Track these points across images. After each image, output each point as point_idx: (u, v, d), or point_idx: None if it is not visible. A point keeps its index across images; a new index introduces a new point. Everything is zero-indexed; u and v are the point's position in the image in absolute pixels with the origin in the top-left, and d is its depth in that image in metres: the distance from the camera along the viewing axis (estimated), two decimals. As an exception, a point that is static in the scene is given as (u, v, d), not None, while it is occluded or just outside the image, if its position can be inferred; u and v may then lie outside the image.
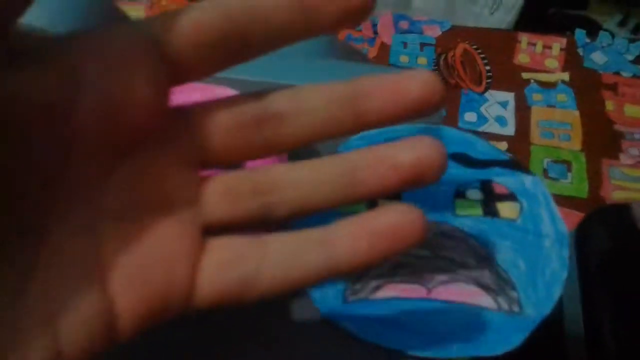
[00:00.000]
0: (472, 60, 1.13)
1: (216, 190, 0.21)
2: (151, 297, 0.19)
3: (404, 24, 1.14)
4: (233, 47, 0.20)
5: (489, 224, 0.37)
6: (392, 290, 0.35)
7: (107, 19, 0.47)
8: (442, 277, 0.35)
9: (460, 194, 0.38)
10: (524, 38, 1.16)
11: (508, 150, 1.04)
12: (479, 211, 0.38)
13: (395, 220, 0.21)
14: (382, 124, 0.22)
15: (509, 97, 1.10)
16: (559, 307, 0.64)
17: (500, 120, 1.08)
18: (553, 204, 0.38)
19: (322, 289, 0.34)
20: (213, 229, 0.21)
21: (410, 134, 0.41)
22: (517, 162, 0.41)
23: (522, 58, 1.15)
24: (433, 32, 1.14)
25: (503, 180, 0.38)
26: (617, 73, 1.12)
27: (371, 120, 0.22)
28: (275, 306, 0.33)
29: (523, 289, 0.35)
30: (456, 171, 0.39)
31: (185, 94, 0.44)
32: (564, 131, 1.07)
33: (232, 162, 0.22)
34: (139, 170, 0.20)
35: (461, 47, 1.13)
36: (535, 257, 0.35)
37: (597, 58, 1.14)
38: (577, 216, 0.63)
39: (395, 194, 0.35)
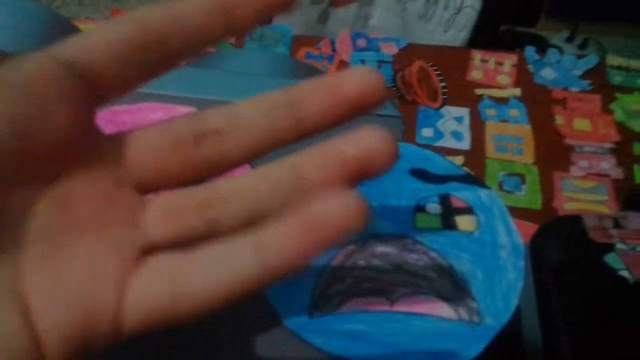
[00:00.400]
0: (428, 77, 1.15)
1: (158, 210, 0.21)
2: (75, 320, 0.19)
3: (361, 42, 1.16)
4: (154, 57, 0.20)
5: (448, 236, 0.38)
6: (356, 304, 0.35)
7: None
8: (404, 290, 0.36)
9: (420, 208, 0.39)
10: (477, 55, 1.19)
11: (464, 164, 1.06)
12: (438, 224, 0.39)
13: (328, 211, 0.19)
14: (324, 127, 0.22)
15: (464, 112, 1.13)
16: (517, 316, 0.66)
17: (456, 135, 1.10)
18: (508, 217, 0.39)
19: (287, 305, 0.35)
20: (157, 249, 0.21)
21: None
22: (474, 177, 0.43)
23: (475, 74, 1.18)
24: (390, 50, 1.16)
25: (460, 195, 0.40)
26: (565, 88, 1.16)
27: (312, 124, 0.21)
28: (242, 321, 0.34)
29: (482, 299, 0.36)
30: (416, 186, 0.41)
31: (145, 113, 0.44)
32: (517, 145, 1.10)
33: (176, 182, 0.22)
34: (68, 194, 0.20)
35: (417, 64, 1.15)
36: (493, 268, 0.36)
37: (547, 74, 1.17)
38: (532, 227, 0.65)
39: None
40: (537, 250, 0.66)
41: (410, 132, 1.10)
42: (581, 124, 1.14)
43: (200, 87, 0.42)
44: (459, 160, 1.06)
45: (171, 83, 0.43)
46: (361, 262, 0.35)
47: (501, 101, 1.15)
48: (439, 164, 0.40)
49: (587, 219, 0.67)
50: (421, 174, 0.39)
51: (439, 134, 1.10)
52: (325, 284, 0.35)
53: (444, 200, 0.38)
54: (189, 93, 0.41)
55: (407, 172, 0.41)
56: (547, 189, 1.05)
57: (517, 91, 1.16)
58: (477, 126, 1.11)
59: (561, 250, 0.64)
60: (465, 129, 1.11)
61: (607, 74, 1.20)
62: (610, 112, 1.15)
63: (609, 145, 1.11)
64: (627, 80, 1.20)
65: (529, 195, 1.05)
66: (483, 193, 0.38)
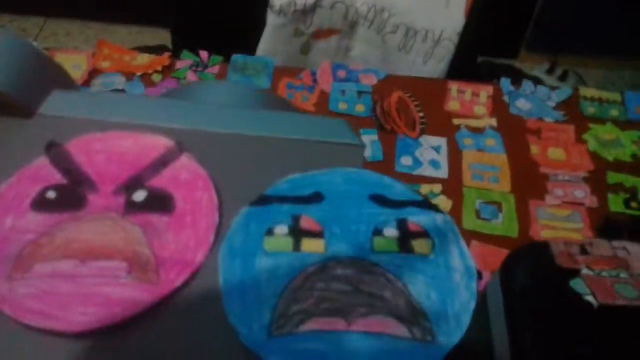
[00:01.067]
0: (406, 107, 1.17)
1: None
2: None
3: (341, 73, 1.19)
4: None
5: (404, 259, 0.40)
6: (315, 324, 0.37)
7: (39, 70, 0.50)
8: (361, 310, 0.38)
9: (378, 232, 0.41)
10: (453, 86, 1.22)
11: (442, 192, 1.07)
12: (395, 248, 0.40)
13: None
14: None
15: (442, 141, 1.15)
16: (488, 341, 0.66)
17: (434, 164, 1.12)
18: (461, 241, 0.41)
19: (247, 324, 0.36)
20: None
21: (332, 178, 0.44)
22: (430, 202, 0.44)
23: (452, 105, 1.20)
24: (369, 81, 1.19)
25: (417, 219, 0.41)
26: (540, 119, 1.18)
27: None
28: (201, 341, 0.35)
29: (435, 319, 0.37)
30: (374, 211, 0.42)
31: (116, 141, 0.46)
32: (493, 174, 1.12)
33: None
34: None
35: (396, 94, 1.18)
36: (446, 290, 0.38)
37: (522, 105, 1.20)
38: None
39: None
40: (506, 274, 0.67)
41: (390, 160, 1.12)
42: (555, 153, 1.16)
43: (170, 116, 0.44)
44: (437, 187, 1.08)
45: (140, 112, 0.45)
46: (320, 284, 0.37)
47: (477, 131, 1.17)
48: (397, 190, 0.41)
49: (554, 245, 0.68)
50: (380, 200, 0.41)
51: (417, 163, 1.12)
52: (285, 304, 0.36)
53: (401, 224, 0.40)
54: (158, 122, 0.43)
55: (366, 197, 0.43)
56: (523, 217, 1.06)
57: (493, 121, 1.18)
58: (454, 155, 1.13)
59: (529, 274, 0.66)
60: (442, 158, 1.13)
61: (580, 105, 1.22)
62: (583, 142, 1.17)
63: (582, 174, 1.13)
64: (600, 111, 1.22)
65: (505, 223, 1.06)
66: (438, 217, 0.39)
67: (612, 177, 1.12)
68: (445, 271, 0.39)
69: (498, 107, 1.19)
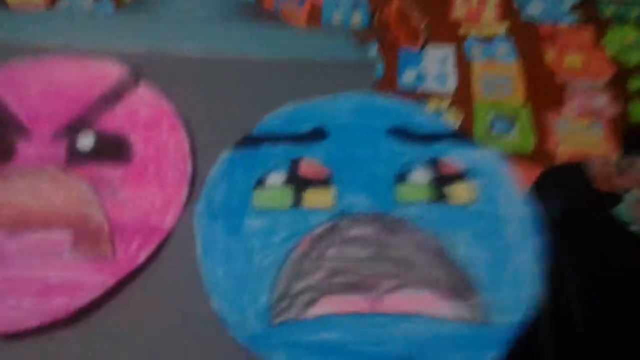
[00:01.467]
0: (407, 16, 1.06)
1: None
2: None
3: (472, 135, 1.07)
4: None
5: (440, 211, 0.30)
6: (329, 305, 0.27)
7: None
8: (387, 284, 0.28)
9: (402, 177, 0.31)
10: (459, -10, 1.10)
11: (450, 108, 0.98)
12: (426, 196, 0.30)
13: None
14: None
15: (448, 53, 1.04)
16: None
17: (441, 78, 1.02)
18: (514, 182, 0.31)
19: (240, 311, 0.27)
20: None
21: (337, 108, 0.34)
22: (465, 134, 0.34)
23: (458, 11, 1.08)
24: (364, -11, 1.07)
25: (452, 157, 0.31)
26: (555, 22, 1.07)
27: None
28: (188, 340, 0.26)
29: (487, 290, 0.28)
30: (396, 149, 0.32)
31: (55, 72, 0.35)
32: (506, 85, 1.02)
33: None
34: None
35: (395, 3, 1.06)
36: (499, 248, 0.28)
37: (534, 8, 1.08)
38: (525, 172, 0.57)
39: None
40: (541, 198, 0.57)
41: (391, 76, 1.01)
42: (572, 59, 1.05)
43: (124, 36, 0.33)
44: (444, 104, 0.98)
45: (86, 32, 0.34)
46: (331, 251, 0.27)
47: (487, 39, 1.06)
48: (423, 120, 0.31)
49: (592, 165, 0.59)
50: (403, 134, 0.31)
51: (421, 77, 1.01)
52: (286, 282, 0.27)
53: (432, 165, 0.30)
54: (108, 44, 0.32)
55: (384, 132, 0.32)
56: (540, 130, 0.98)
57: (504, 27, 1.07)
58: (462, 66, 1.03)
59: (565, 199, 0.57)
60: (450, 70, 1.02)
61: (598, 6, 1.12)
62: (602, 46, 1.07)
63: (602, 81, 1.03)
64: (620, 12, 1.11)
65: (520, 138, 0.98)
66: (480, 153, 0.29)
67: (635, 83, 1.03)
68: (494, 223, 0.29)
69: (508, 11, 1.08)
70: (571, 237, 0.54)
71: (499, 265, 0.27)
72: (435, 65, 1.02)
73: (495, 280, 0.26)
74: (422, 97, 0.97)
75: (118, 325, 0.27)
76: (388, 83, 0.99)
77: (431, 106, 0.96)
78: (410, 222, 0.28)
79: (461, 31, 1.06)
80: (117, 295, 0.30)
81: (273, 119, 0.29)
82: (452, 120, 0.94)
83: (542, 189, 0.60)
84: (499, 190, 0.29)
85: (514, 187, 0.29)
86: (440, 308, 0.26)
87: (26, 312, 0.29)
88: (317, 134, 0.32)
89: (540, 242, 0.27)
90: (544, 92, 1.00)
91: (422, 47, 1.04)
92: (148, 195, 0.33)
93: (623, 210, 0.54)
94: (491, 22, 1.07)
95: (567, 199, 0.58)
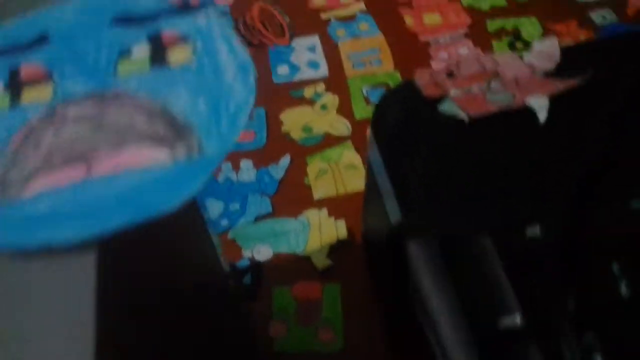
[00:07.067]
0: (271, 16, 1.06)
1: None
2: None
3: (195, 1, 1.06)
4: None
5: (160, 75, 0.29)
6: (46, 179, 0.26)
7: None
8: (106, 147, 0.27)
9: (124, 55, 0.30)
10: (311, -20, 1.11)
11: (327, 89, 0.97)
12: (146, 66, 0.30)
13: None
14: None
15: (314, 40, 1.04)
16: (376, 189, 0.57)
17: (313, 64, 1.01)
18: (233, 37, 0.30)
19: None
20: None
21: (60, 14, 0.33)
22: (187, 4, 0.34)
23: (317, 1, 1.10)
24: (226, 0, 1.07)
25: (172, 27, 0.31)
26: (408, -11, 1.09)
27: None
28: None
29: (205, 130, 0.27)
30: (119, 33, 0.31)
31: None
32: (374, 57, 1.02)
33: None
34: None
35: (257, 6, 1.06)
36: (217, 94, 0.27)
37: (387, -19, 1.10)
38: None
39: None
40: (378, 117, 0.57)
41: (266, 74, 1.01)
42: (431, 18, 1.06)
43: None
44: (320, 87, 0.98)
45: None
46: (48, 134, 0.26)
47: (348, 19, 1.07)
48: (144, 3, 0.30)
49: (420, 77, 0.59)
50: (125, 20, 0.30)
51: (294, 69, 1.01)
52: (2, 170, 0.25)
53: (153, 38, 0.29)
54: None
55: (108, 23, 0.31)
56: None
57: (361, 5, 1.09)
58: (331, 50, 1.03)
59: (398, 112, 0.56)
60: (319, 56, 1.02)
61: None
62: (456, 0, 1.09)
63: (462, 30, 1.04)
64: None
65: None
66: (198, 18, 0.29)
67: (492, 25, 1.04)
68: (213, 74, 0.28)
69: (362, -11, 1.09)
70: (404, 140, 0.54)
71: (217, 107, 0.26)
72: (305, 54, 1.02)
73: (213, 120, 0.25)
74: (299, 86, 0.96)
75: None
76: (264, 80, 0.98)
77: (308, 91, 0.95)
78: (130, 92, 0.27)
79: (323, 17, 1.06)
80: None
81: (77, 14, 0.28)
82: (326, 99, 0.93)
83: (380, 108, 0.60)
84: (216, 46, 0.28)
85: (231, 41, 0.28)
86: (159, 154, 0.24)
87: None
88: (40, 41, 0.31)
89: (253, 82, 0.26)
90: (411, 54, 1.01)
91: (290, 41, 1.04)
92: None
93: (446, 106, 0.54)
94: (349, 3, 1.09)
95: (400, 110, 0.57)
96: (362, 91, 0.97)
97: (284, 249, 0.76)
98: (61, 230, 0.24)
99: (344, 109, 0.94)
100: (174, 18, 0.31)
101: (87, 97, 0.28)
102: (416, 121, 0.54)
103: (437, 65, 0.99)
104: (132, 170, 0.25)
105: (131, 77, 0.28)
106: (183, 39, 0.30)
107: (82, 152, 0.26)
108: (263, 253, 0.76)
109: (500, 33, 1.03)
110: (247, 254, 0.76)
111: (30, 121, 0.27)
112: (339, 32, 1.05)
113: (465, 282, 0.45)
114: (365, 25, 1.06)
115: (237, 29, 1.05)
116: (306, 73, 1.00)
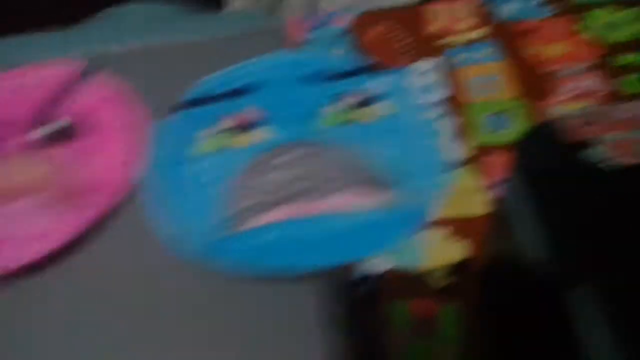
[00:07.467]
0: (389, 38, 1.08)
1: None
2: None
3: (314, 22, 1.09)
4: None
5: (354, 129, 0.31)
6: (261, 220, 0.28)
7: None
8: (312, 193, 0.29)
9: (322, 109, 0.32)
10: (432, 8, 1.12)
11: (445, 114, 0.97)
12: (343, 119, 0.31)
13: None
14: None
15: (433, 65, 1.04)
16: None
17: (429, 89, 1.02)
18: (417, 95, 0.31)
19: (187, 233, 0.27)
20: None
21: (259, 65, 0.35)
22: (374, 65, 0.35)
23: (435, 26, 1.10)
24: (343, 23, 1.09)
25: (363, 85, 0.32)
26: (528, 18, 1.08)
27: None
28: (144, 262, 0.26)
29: (400, 181, 0.28)
30: (314, 90, 0.33)
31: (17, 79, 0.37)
32: (496, 83, 1.01)
33: None
34: None
35: (375, 29, 1.08)
36: (408, 149, 0.29)
37: (507, 9, 1.10)
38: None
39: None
40: (522, 155, 0.57)
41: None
42: (552, 49, 1.05)
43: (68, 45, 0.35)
44: (438, 112, 0.98)
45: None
46: (259, 178, 0.28)
47: (468, 44, 1.07)
48: (333, 62, 0.32)
49: (566, 118, 0.58)
50: (316, 77, 0.32)
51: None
52: (226, 207, 0.27)
53: (345, 95, 0.31)
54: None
55: (299, 78, 0.33)
56: (536, 120, 0.97)
57: (482, 32, 1.08)
58: (450, 75, 1.03)
59: (543, 155, 0.56)
60: (437, 81, 1.03)
61: (567, -4, 1.12)
62: (579, 31, 1.06)
63: (588, 63, 1.02)
64: (590, -2, 1.12)
65: (518, 130, 0.97)
66: (388, 78, 0.30)
67: (620, 60, 1.01)
68: (402, 129, 0.30)
69: (483, 17, 1.10)
70: (554, 187, 0.53)
71: (409, 161, 0.27)
72: (423, 79, 1.02)
73: (407, 172, 0.27)
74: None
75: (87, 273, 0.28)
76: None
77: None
78: (327, 143, 0.29)
79: (440, 42, 1.06)
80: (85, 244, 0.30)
81: (202, 85, 0.30)
82: (443, 125, 0.93)
83: (522, 150, 0.60)
84: (406, 103, 0.29)
85: (418, 100, 0.29)
86: (357, 203, 0.26)
87: None
88: (242, 92, 0.34)
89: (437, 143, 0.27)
90: (533, 83, 0.99)
91: (407, 64, 1.05)
92: (103, 161, 0.34)
93: (596, 152, 0.53)
94: (468, 29, 1.08)
95: (545, 152, 0.57)
96: (482, 118, 0.97)
97: (401, 263, 0.76)
98: (289, 258, 0.26)
99: (463, 134, 0.94)
100: (365, 77, 0.33)
101: (291, 147, 0.29)
102: (567, 165, 0.54)
103: (560, 97, 0.98)
104: (339, 213, 0.26)
105: (329, 129, 0.29)
106: (375, 97, 0.31)
107: (291, 196, 0.27)
108: (380, 265, 0.77)
109: (629, 68, 1.00)
110: (363, 265, 0.77)
111: (245, 166, 0.29)
112: (459, 58, 1.05)
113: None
114: (486, 52, 1.06)
115: (354, 49, 1.06)
116: (424, 97, 1.00)
